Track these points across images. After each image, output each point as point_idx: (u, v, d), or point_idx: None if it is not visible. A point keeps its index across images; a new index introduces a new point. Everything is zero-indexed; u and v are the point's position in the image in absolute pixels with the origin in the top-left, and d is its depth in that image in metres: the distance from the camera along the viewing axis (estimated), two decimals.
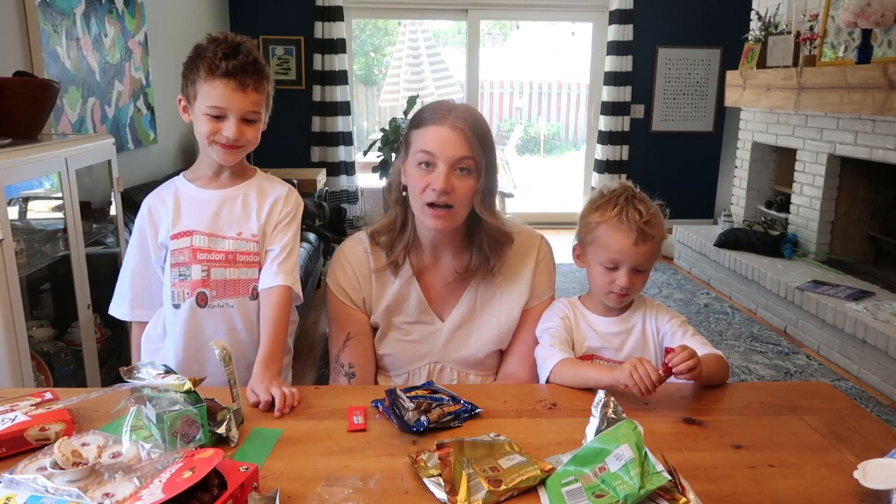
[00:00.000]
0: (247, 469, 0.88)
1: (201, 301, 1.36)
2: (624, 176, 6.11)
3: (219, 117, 1.30)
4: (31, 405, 1.11)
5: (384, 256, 1.42)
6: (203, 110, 1.30)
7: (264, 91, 1.34)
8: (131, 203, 3.04)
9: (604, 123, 6.05)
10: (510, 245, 1.42)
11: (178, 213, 1.38)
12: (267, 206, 1.40)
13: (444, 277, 1.43)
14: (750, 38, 4.55)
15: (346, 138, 5.88)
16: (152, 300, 1.44)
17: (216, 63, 1.26)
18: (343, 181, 5.93)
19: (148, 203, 1.42)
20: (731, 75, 4.65)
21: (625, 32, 5.79)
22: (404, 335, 1.43)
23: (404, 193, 1.37)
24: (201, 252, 1.36)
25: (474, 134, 1.29)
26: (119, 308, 1.46)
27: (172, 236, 1.37)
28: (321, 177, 5.20)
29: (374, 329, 1.46)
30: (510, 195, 6.25)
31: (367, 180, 6.11)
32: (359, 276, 1.43)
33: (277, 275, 1.37)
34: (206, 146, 1.35)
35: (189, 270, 1.36)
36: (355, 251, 1.44)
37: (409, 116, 1.35)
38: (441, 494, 0.92)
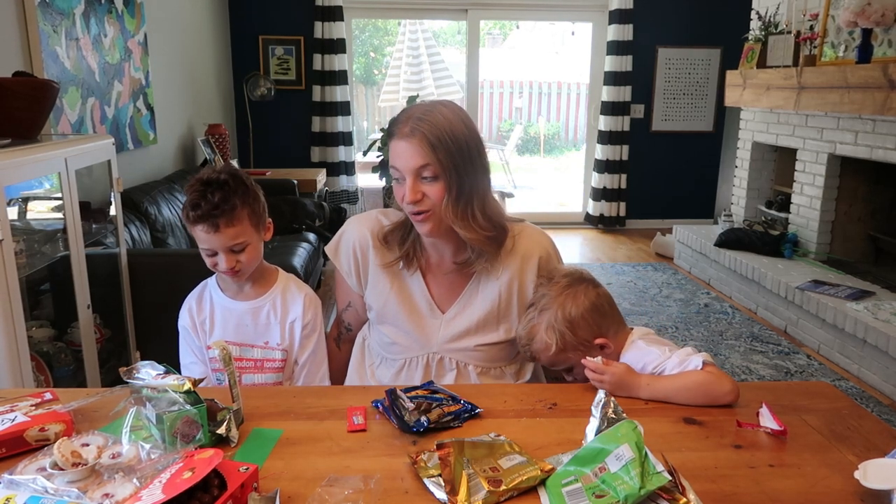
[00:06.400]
0: (247, 469, 0.88)
1: None
2: (625, 176, 6.12)
3: (213, 253, 1.44)
4: (31, 405, 1.11)
5: (395, 250, 1.45)
6: (200, 249, 1.45)
7: (240, 221, 1.42)
8: (131, 203, 3.04)
9: (604, 123, 6.05)
10: (496, 246, 1.41)
11: (213, 323, 1.52)
12: (288, 324, 1.53)
13: (445, 272, 1.45)
14: (750, 37, 4.55)
15: (345, 138, 5.88)
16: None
17: (189, 213, 1.41)
18: (343, 181, 5.93)
19: (189, 304, 1.55)
20: (731, 75, 4.65)
21: (625, 32, 5.79)
22: (405, 324, 1.45)
23: None
24: (233, 360, 1.41)
25: (434, 138, 1.27)
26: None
27: (208, 346, 1.51)
28: (321, 177, 5.20)
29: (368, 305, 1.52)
30: (510, 195, 6.26)
31: (367, 180, 6.11)
32: (360, 262, 1.47)
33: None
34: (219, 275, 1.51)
35: (224, 377, 1.43)
36: (364, 238, 1.47)
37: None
38: (441, 494, 0.92)
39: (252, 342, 1.51)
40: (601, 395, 1.03)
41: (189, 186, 1.43)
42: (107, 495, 0.85)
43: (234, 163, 4.96)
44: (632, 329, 1.38)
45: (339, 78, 5.71)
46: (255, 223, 1.46)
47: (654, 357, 1.28)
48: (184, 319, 1.54)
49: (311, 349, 1.55)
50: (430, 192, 1.30)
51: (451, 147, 1.28)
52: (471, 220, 1.33)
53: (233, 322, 1.51)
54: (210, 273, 1.55)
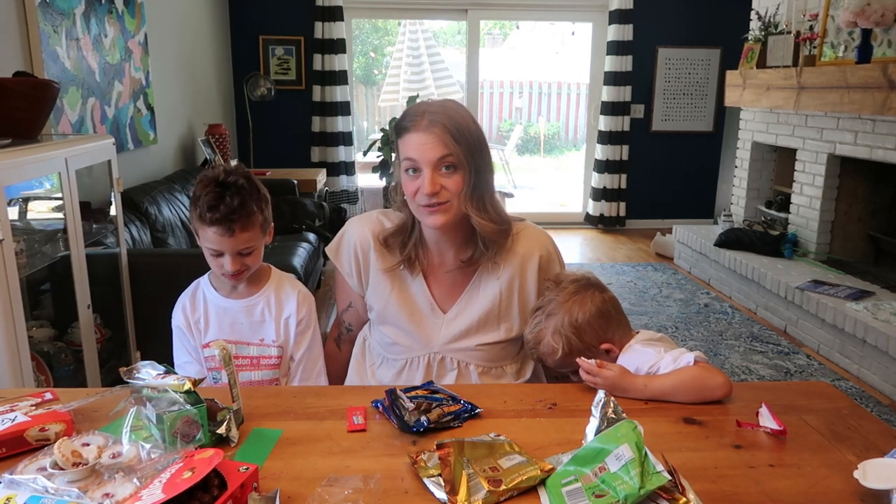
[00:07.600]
0: (247, 469, 0.88)
1: None
2: (625, 176, 6.12)
3: (219, 254, 1.43)
4: (31, 405, 1.11)
5: (396, 254, 1.45)
6: (205, 247, 1.44)
7: (254, 226, 1.43)
8: (131, 203, 3.04)
9: (604, 123, 6.05)
10: (507, 238, 1.43)
11: (207, 322, 1.51)
12: (283, 321, 1.53)
13: (448, 271, 1.45)
14: (750, 37, 4.55)
15: (346, 138, 5.88)
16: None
17: (205, 214, 1.38)
18: (343, 181, 5.93)
19: (182, 303, 1.53)
20: (730, 75, 4.65)
21: (625, 32, 5.79)
22: (406, 324, 1.45)
23: (405, 196, 1.38)
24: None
25: (454, 129, 1.29)
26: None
27: (203, 346, 1.51)
28: (321, 177, 5.20)
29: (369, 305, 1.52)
30: (510, 195, 6.26)
31: (367, 180, 6.11)
32: (361, 263, 1.48)
33: (303, 382, 1.55)
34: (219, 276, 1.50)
35: (220, 375, 1.47)
36: (366, 239, 1.47)
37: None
38: (441, 494, 0.92)
39: (247, 340, 1.51)
40: (601, 395, 1.03)
41: (202, 186, 1.41)
42: (107, 495, 0.85)
43: (233, 163, 4.96)
44: (637, 332, 1.39)
45: (339, 78, 5.71)
46: (264, 227, 1.47)
47: (647, 357, 1.29)
48: (178, 318, 1.53)
49: (307, 345, 1.55)
50: (448, 184, 1.31)
51: (469, 139, 1.31)
52: (484, 211, 1.36)
53: (227, 320, 1.51)
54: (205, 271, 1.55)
